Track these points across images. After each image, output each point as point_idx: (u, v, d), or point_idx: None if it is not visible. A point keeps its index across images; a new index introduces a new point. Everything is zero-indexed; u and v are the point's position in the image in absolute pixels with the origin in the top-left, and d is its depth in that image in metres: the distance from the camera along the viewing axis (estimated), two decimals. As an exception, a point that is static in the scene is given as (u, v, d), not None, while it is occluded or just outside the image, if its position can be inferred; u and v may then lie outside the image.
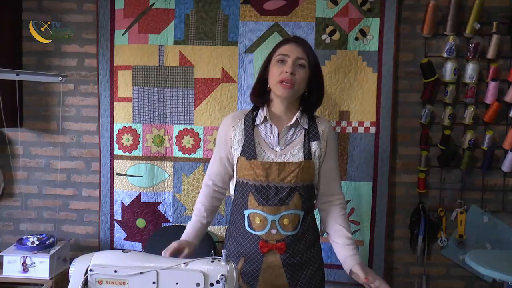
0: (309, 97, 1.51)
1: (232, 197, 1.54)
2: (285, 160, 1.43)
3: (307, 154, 1.44)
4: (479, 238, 2.29)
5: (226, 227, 1.57)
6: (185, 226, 2.30)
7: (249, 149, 1.44)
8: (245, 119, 1.51)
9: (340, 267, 2.31)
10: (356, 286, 2.29)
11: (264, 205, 1.41)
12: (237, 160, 1.47)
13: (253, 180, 1.43)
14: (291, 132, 1.48)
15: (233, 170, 1.52)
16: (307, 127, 1.49)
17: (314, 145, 1.46)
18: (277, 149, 1.45)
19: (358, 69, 2.22)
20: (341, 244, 1.47)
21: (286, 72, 1.41)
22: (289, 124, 1.47)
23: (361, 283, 1.37)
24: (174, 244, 1.38)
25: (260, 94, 1.52)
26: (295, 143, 1.47)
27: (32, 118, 2.41)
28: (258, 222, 1.42)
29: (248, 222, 1.44)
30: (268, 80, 1.49)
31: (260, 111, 1.51)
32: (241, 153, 1.46)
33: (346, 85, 2.23)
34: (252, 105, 1.56)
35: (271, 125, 1.48)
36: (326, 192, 1.52)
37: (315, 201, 1.56)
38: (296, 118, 1.47)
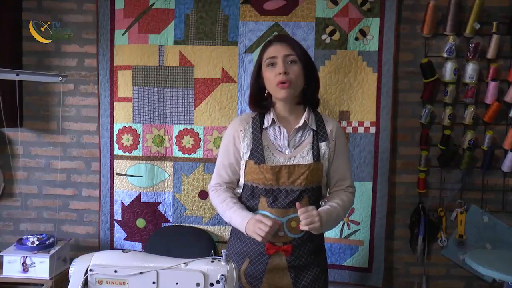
0: (309, 89, 1.49)
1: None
2: (294, 163, 1.42)
3: (316, 155, 1.43)
4: (479, 238, 2.29)
5: (231, 227, 1.55)
6: (185, 226, 2.32)
7: (258, 153, 1.43)
8: (252, 122, 1.49)
9: (340, 267, 2.34)
10: (356, 286, 2.29)
11: (273, 207, 1.41)
12: (245, 164, 1.45)
13: (263, 184, 1.42)
14: (299, 134, 1.47)
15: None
16: (315, 128, 1.47)
17: (323, 146, 1.45)
18: (287, 151, 1.44)
19: (358, 69, 2.22)
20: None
21: (280, 73, 1.39)
22: (297, 126, 1.46)
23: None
24: (270, 223, 1.31)
25: (258, 102, 1.51)
26: (304, 144, 1.46)
27: (32, 118, 2.41)
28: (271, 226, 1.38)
29: None
30: (265, 86, 1.48)
31: (266, 113, 1.50)
32: (249, 157, 1.44)
33: (346, 85, 2.23)
34: None
35: (279, 128, 1.47)
36: (335, 188, 1.53)
37: (321, 202, 1.55)
38: (304, 120, 1.46)
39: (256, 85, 1.50)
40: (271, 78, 1.42)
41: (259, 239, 1.32)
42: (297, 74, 1.42)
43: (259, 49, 2.22)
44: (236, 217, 1.41)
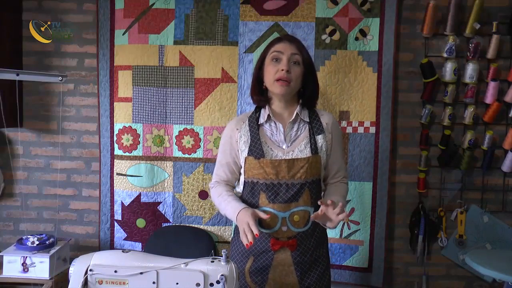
0: (305, 92, 1.52)
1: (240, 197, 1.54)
2: (293, 157, 1.44)
3: (314, 148, 1.45)
4: (479, 238, 2.29)
5: (235, 225, 1.56)
6: (185, 226, 2.32)
7: (256, 148, 1.45)
8: (249, 121, 1.52)
9: (340, 267, 2.33)
10: (356, 286, 2.29)
11: (275, 202, 1.42)
12: (245, 160, 1.46)
13: (263, 178, 1.43)
14: (295, 128, 1.49)
15: (240, 173, 1.52)
16: (308, 120, 1.49)
17: (319, 139, 1.47)
18: (284, 146, 1.46)
19: (358, 69, 2.22)
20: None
21: (282, 70, 1.42)
22: (290, 120, 1.48)
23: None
24: (252, 221, 1.29)
25: (260, 93, 1.53)
26: (300, 138, 1.47)
27: (32, 118, 2.41)
28: (268, 220, 1.40)
29: (259, 220, 1.43)
30: (263, 79, 1.50)
31: (262, 110, 1.52)
32: (248, 153, 1.46)
33: (346, 85, 2.23)
34: (253, 107, 1.57)
35: (275, 123, 1.49)
36: (331, 180, 1.57)
37: (322, 192, 1.57)
38: (296, 113, 1.48)
39: (257, 76, 1.53)
40: (272, 72, 1.44)
41: (244, 241, 1.30)
42: (297, 75, 1.45)
43: (259, 49, 2.23)
44: (230, 208, 1.42)
